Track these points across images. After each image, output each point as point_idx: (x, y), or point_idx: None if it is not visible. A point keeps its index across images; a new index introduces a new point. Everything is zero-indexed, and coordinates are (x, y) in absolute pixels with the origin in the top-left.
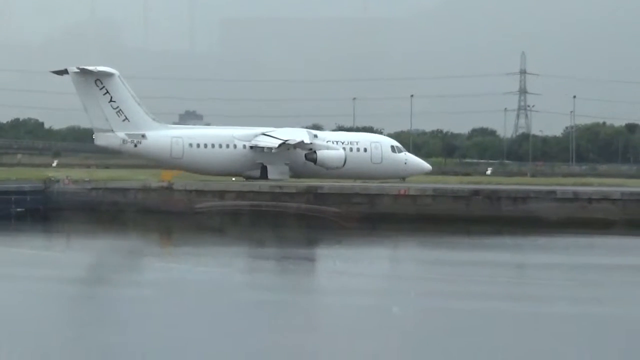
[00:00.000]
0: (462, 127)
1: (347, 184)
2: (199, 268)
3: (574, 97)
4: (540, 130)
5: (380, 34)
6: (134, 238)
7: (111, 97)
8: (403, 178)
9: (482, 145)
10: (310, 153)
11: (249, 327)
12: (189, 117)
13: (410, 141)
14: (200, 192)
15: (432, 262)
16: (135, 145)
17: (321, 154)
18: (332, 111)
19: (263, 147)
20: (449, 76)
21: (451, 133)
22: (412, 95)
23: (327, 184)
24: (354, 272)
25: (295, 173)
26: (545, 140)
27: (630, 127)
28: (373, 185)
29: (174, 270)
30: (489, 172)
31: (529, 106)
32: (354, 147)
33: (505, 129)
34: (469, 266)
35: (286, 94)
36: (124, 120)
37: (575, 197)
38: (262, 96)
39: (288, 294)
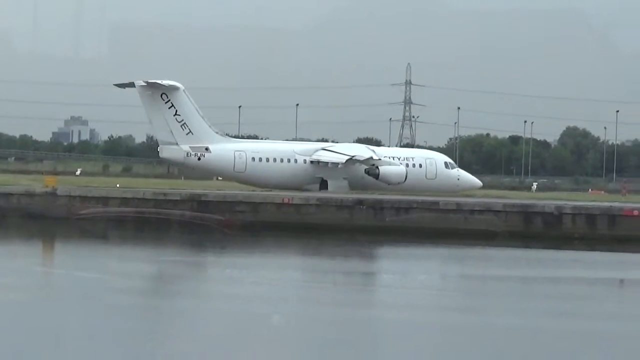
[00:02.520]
0: (347, 137)
1: (231, 191)
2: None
3: (459, 108)
4: (424, 141)
5: (271, 44)
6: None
7: (176, 111)
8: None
9: None
10: (373, 168)
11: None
12: (74, 123)
13: None
14: (83, 198)
15: (313, 270)
16: (199, 159)
17: (384, 169)
18: (218, 119)
19: (327, 162)
20: (335, 86)
21: (335, 142)
22: (297, 104)
23: (211, 192)
24: (230, 279)
25: (353, 187)
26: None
27: (514, 139)
28: (257, 194)
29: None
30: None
31: (413, 117)
32: (410, 162)
33: (390, 140)
34: (350, 275)
35: None
36: (187, 133)
37: (458, 209)
38: None
39: (150, 298)
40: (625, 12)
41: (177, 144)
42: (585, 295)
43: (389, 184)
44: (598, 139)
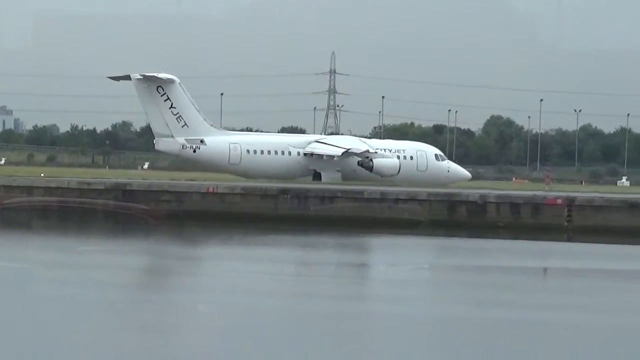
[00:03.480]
0: (272, 126)
1: (156, 181)
2: None
3: (383, 97)
4: (349, 130)
5: (194, 32)
6: None
7: (172, 104)
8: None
9: None
10: (367, 161)
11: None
12: None
13: None
14: (7, 188)
15: (234, 259)
16: (194, 151)
17: (378, 162)
18: (139, 108)
19: (322, 155)
20: (260, 75)
21: (261, 131)
22: (222, 94)
23: (136, 181)
24: (156, 269)
25: (345, 179)
26: None
27: (438, 128)
28: (182, 183)
29: None
30: None
31: (338, 106)
32: (401, 155)
33: (315, 129)
34: (273, 263)
35: (94, 90)
36: (183, 126)
37: (383, 198)
38: (73, 92)
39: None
40: (545, 2)
41: (172, 136)
42: (508, 284)
43: (382, 176)
44: (522, 128)
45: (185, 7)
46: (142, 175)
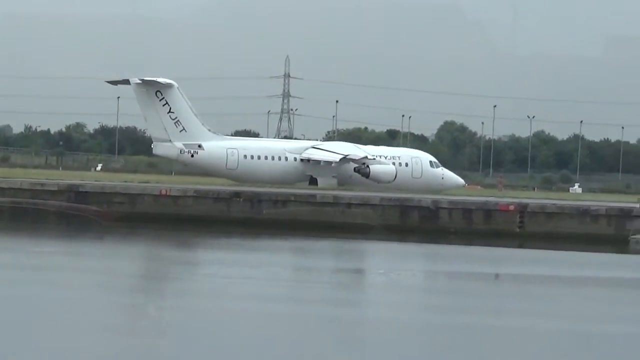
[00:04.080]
0: (225, 129)
1: (109, 182)
2: None
3: (337, 101)
4: (302, 134)
5: (150, 34)
6: None
7: (170, 108)
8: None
9: None
10: (363, 167)
11: None
12: None
13: None
14: None
15: (185, 263)
16: (192, 156)
17: (375, 168)
18: (95, 109)
19: (320, 161)
20: (214, 78)
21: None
22: (118, 97)
23: (89, 183)
24: (100, 269)
25: (341, 185)
26: None
27: (391, 133)
28: (135, 185)
29: None
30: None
31: (292, 110)
32: (396, 161)
33: (268, 132)
34: (223, 266)
35: (49, 91)
36: (181, 130)
37: (335, 202)
38: (28, 92)
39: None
40: (500, 8)
41: (170, 141)
42: (460, 290)
43: (378, 183)
44: (475, 133)
45: (139, 9)
46: (95, 177)
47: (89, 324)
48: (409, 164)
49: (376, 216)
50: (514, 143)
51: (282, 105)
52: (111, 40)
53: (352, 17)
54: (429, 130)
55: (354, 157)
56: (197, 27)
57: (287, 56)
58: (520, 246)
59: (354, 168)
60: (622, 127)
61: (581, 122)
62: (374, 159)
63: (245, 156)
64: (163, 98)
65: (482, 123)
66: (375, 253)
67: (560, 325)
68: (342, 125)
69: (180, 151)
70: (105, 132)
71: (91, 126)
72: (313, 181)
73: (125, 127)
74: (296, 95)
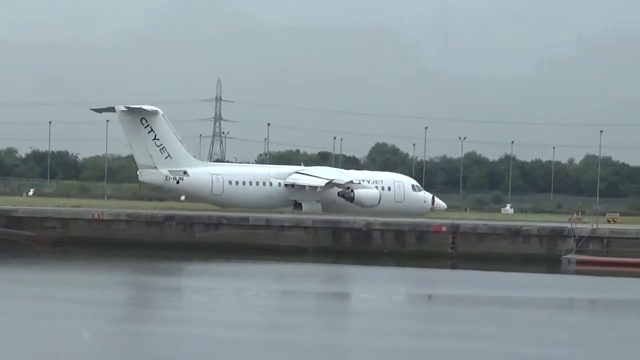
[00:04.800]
0: None
1: (41, 207)
2: None
3: (269, 124)
4: (234, 157)
5: (82, 59)
6: None
7: (155, 135)
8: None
9: None
10: (348, 192)
11: None
12: None
13: (105, 166)
14: None
15: (121, 285)
16: (178, 182)
17: (359, 193)
18: (28, 135)
19: (305, 186)
20: (144, 102)
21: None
22: (107, 121)
23: (21, 208)
24: (34, 295)
25: (325, 209)
26: None
27: (323, 155)
28: (67, 210)
29: None
30: (183, 198)
31: (224, 133)
32: (379, 185)
33: (201, 156)
34: (161, 291)
35: None
36: (166, 157)
37: (268, 224)
38: None
39: None
40: (431, 29)
41: (156, 167)
42: (390, 312)
43: (362, 207)
44: (407, 155)
45: (74, 34)
46: (27, 202)
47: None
48: (392, 188)
49: (309, 238)
50: (446, 164)
51: (214, 128)
52: (48, 66)
53: (283, 39)
54: (361, 152)
55: (339, 182)
56: (128, 52)
57: (219, 79)
58: (453, 267)
59: (338, 193)
60: (554, 148)
61: (512, 142)
62: (359, 183)
63: (230, 182)
64: (148, 125)
65: (414, 144)
66: (309, 276)
67: (492, 347)
68: (274, 148)
69: (166, 178)
70: (37, 157)
71: (22, 151)
72: (297, 205)
73: (57, 152)
74: (228, 119)
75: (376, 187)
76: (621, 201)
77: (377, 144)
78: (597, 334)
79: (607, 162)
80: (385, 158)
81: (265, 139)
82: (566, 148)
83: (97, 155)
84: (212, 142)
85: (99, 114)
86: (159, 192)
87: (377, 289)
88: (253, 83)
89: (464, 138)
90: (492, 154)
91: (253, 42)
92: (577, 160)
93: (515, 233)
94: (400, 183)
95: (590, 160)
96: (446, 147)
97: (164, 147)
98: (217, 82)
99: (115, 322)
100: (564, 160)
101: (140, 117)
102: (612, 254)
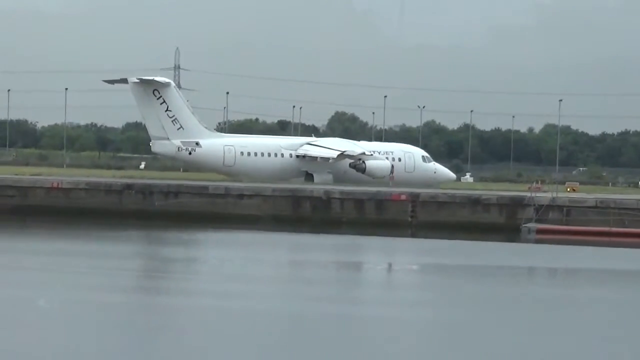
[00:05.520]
0: (116, 121)
1: (0, 176)
2: None
3: (227, 93)
4: None
5: (38, 27)
6: None
7: (167, 107)
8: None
9: (136, 140)
10: (359, 163)
11: None
12: None
13: (64, 134)
14: None
15: (76, 254)
16: (190, 153)
17: (370, 164)
18: None
19: (316, 157)
20: (105, 70)
21: (105, 127)
22: (66, 89)
23: None
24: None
25: (336, 180)
26: None
27: (282, 124)
28: (26, 178)
29: None
30: (142, 166)
31: None
32: (389, 156)
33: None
34: (119, 259)
35: None
36: (179, 128)
37: (227, 193)
38: None
39: None
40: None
41: (168, 139)
42: (350, 280)
43: (374, 178)
44: (366, 124)
45: (26, 2)
46: None
47: None
48: (402, 159)
49: (268, 207)
50: (405, 133)
51: None
52: (3, 34)
53: (242, 7)
54: (320, 121)
55: (351, 154)
56: (85, 21)
57: (177, 48)
58: (412, 235)
59: (349, 164)
60: (513, 116)
61: (471, 111)
62: (371, 155)
63: (242, 153)
64: (161, 97)
65: (373, 113)
66: (266, 244)
67: (444, 315)
68: (234, 117)
69: (178, 149)
70: None
71: None
72: (309, 177)
73: (16, 120)
74: (187, 87)
75: (386, 158)
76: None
77: (337, 113)
78: (555, 304)
79: (567, 130)
80: (344, 127)
81: (225, 107)
82: (525, 117)
83: (56, 124)
84: None
85: (111, 85)
86: (173, 162)
87: (320, 257)
88: (212, 52)
89: (423, 107)
90: (452, 123)
91: (211, 12)
92: (537, 129)
93: (475, 202)
94: (411, 154)
95: (549, 129)
96: (405, 116)
97: (176, 118)
98: (176, 51)
99: (72, 290)
100: (523, 129)
101: (152, 88)
102: (571, 222)
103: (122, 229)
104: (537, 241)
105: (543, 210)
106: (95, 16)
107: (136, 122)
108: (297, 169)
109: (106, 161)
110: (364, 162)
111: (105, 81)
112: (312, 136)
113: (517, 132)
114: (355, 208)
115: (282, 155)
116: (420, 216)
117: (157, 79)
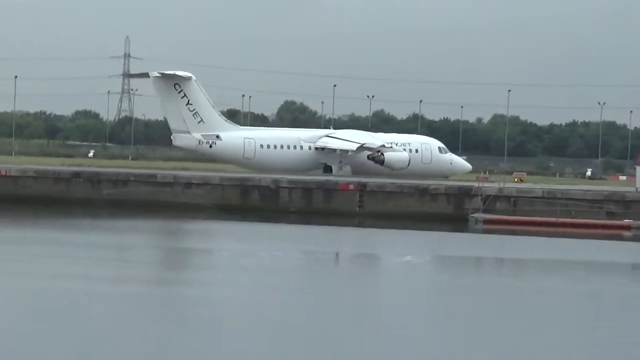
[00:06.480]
0: (66, 109)
1: None
2: None
3: None
4: (142, 114)
5: None
6: None
7: (188, 100)
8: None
9: (85, 128)
10: (378, 155)
11: None
12: None
13: (13, 122)
14: None
15: (27, 243)
16: (211, 146)
17: (389, 156)
18: None
19: (336, 149)
20: (54, 58)
21: (54, 115)
22: (16, 77)
23: None
24: None
25: (354, 172)
26: (147, 124)
27: (232, 113)
28: None
29: None
30: (91, 154)
31: (132, 90)
32: (407, 148)
33: (109, 112)
34: (67, 247)
35: None
36: (199, 122)
37: (175, 182)
38: None
39: None
40: None
41: (189, 132)
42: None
43: (392, 170)
44: (315, 113)
45: None
46: None
47: None
48: (419, 150)
49: (216, 196)
50: (354, 122)
51: (123, 85)
52: None
53: None
54: (270, 110)
55: (370, 146)
56: (35, 9)
57: (127, 36)
58: (360, 225)
59: (367, 156)
60: (462, 107)
61: (420, 101)
62: (391, 147)
63: (261, 145)
64: (182, 90)
65: (322, 102)
66: (213, 234)
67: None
68: None
69: (199, 142)
70: None
71: None
72: (327, 169)
73: None
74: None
75: (404, 150)
76: (529, 160)
77: (286, 102)
78: (503, 293)
79: (515, 121)
80: (294, 116)
81: None
82: (474, 107)
83: (5, 111)
84: (121, 99)
85: (134, 79)
86: (194, 155)
87: (285, 246)
88: (161, 40)
89: (373, 96)
90: (401, 113)
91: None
92: (485, 120)
93: (423, 192)
94: (427, 145)
95: (498, 119)
96: (355, 105)
97: (197, 112)
98: (126, 39)
99: (14, 277)
100: (472, 119)
101: (173, 82)
102: (519, 213)
103: (69, 217)
104: (485, 231)
105: (490, 201)
106: (46, 4)
107: (85, 109)
108: (315, 161)
109: (55, 149)
110: (382, 154)
111: (127, 75)
112: (330, 128)
113: (466, 122)
114: (303, 197)
115: (302, 147)
116: (368, 206)
117: (179, 73)
